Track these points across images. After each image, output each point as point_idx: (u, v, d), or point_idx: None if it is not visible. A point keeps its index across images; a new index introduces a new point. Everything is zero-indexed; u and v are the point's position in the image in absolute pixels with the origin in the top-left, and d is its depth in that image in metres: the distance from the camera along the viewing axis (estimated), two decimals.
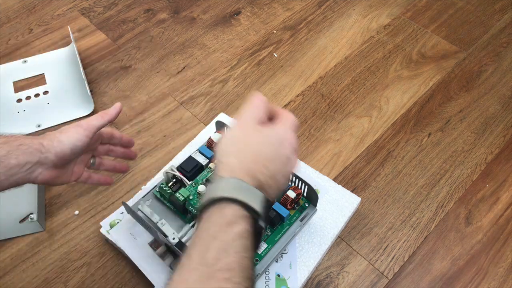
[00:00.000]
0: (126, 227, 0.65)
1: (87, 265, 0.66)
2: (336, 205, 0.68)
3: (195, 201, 0.62)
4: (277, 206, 0.62)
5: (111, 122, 0.56)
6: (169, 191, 0.65)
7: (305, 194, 0.65)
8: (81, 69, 0.84)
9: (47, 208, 0.71)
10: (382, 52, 0.92)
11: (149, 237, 0.64)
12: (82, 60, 0.90)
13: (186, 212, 0.64)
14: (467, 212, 0.70)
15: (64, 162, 0.52)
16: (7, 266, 0.66)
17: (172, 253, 0.61)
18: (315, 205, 0.65)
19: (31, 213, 0.68)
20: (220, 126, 0.71)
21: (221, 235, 0.33)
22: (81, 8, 1.02)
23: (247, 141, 0.39)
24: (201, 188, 0.62)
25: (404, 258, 0.66)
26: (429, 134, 0.79)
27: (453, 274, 0.64)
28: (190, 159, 0.67)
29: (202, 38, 0.95)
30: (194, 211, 0.61)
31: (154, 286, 0.61)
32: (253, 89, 0.86)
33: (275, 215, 0.61)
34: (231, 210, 0.35)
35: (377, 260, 0.66)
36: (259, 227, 0.36)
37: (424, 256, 0.66)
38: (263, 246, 0.60)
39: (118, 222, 0.66)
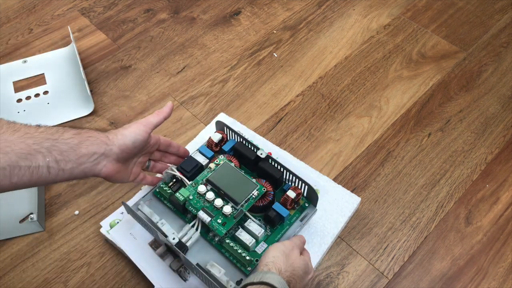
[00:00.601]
0: (126, 227, 0.65)
1: (87, 265, 0.66)
2: (336, 205, 0.68)
3: (195, 201, 0.62)
4: (277, 206, 0.62)
5: (166, 119, 0.60)
6: (169, 191, 0.65)
7: (305, 194, 0.65)
8: (81, 69, 0.84)
9: (47, 208, 0.71)
10: (382, 52, 0.92)
11: (149, 237, 0.64)
12: (82, 60, 0.90)
13: (186, 212, 0.64)
14: (467, 212, 0.70)
15: (126, 155, 0.56)
16: (7, 266, 0.66)
17: (172, 253, 0.61)
18: (315, 205, 0.65)
19: (31, 213, 0.68)
20: (220, 126, 0.71)
21: None
22: (81, 8, 1.02)
23: (291, 261, 0.53)
24: (201, 188, 0.62)
25: (404, 258, 0.66)
26: (429, 134, 0.79)
27: (453, 274, 0.64)
28: (190, 159, 0.67)
29: (202, 38, 0.95)
30: (194, 211, 0.61)
31: (154, 286, 0.60)
32: (253, 89, 0.86)
33: (275, 215, 0.61)
34: None
35: (377, 260, 0.66)
36: None
37: (424, 256, 0.66)
38: (263, 246, 0.60)
39: (118, 222, 0.66)
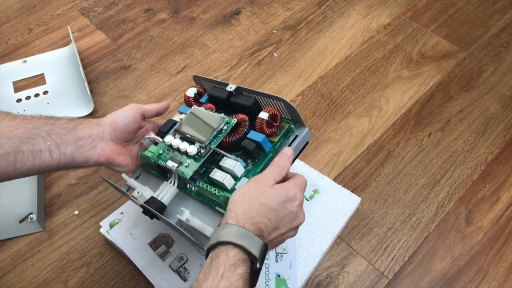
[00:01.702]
0: (126, 227, 0.65)
1: (87, 265, 0.65)
2: (336, 205, 0.68)
3: (164, 154, 0.55)
4: (252, 134, 0.53)
5: (158, 115, 0.60)
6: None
7: (287, 115, 0.56)
8: (81, 69, 0.84)
9: (47, 208, 0.71)
10: (382, 52, 0.92)
11: (149, 237, 0.64)
12: (82, 60, 0.89)
13: (166, 172, 0.58)
14: (467, 212, 0.70)
15: (119, 134, 0.55)
16: (7, 266, 0.66)
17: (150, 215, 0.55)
18: (302, 125, 0.56)
19: (31, 213, 0.68)
20: (196, 80, 0.65)
21: (227, 275, 0.40)
22: (81, 8, 1.02)
23: (258, 195, 0.45)
24: (167, 139, 0.56)
25: (404, 258, 0.66)
26: (429, 134, 0.79)
27: (453, 274, 0.64)
28: (170, 121, 0.60)
29: (202, 38, 0.95)
30: (163, 163, 0.54)
31: (153, 286, 0.60)
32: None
33: (249, 142, 0.52)
34: (234, 253, 0.42)
35: (377, 260, 0.65)
36: (257, 269, 0.43)
37: (424, 256, 0.66)
38: (245, 182, 0.53)
39: (118, 222, 0.66)
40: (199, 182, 0.52)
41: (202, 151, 0.53)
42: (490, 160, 0.76)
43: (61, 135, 0.50)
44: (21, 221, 0.68)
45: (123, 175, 0.57)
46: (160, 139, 0.58)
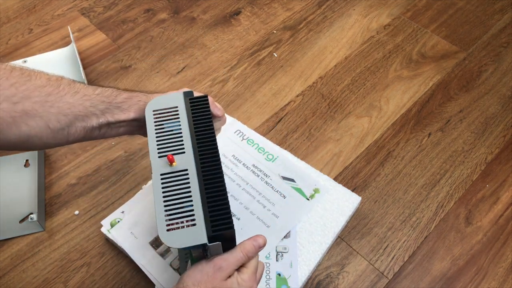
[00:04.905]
0: (126, 226, 0.65)
1: (87, 265, 0.66)
2: (336, 204, 0.68)
3: None
4: None
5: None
6: None
7: None
8: (81, 69, 0.84)
9: (47, 208, 0.71)
10: (382, 52, 0.92)
11: (149, 236, 0.64)
12: (82, 60, 0.90)
13: None
14: (467, 212, 0.70)
15: None
16: (7, 266, 0.66)
17: None
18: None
19: (31, 213, 0.68)
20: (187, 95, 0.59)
21: None
22: (81, 8, 1.02)
23: (210, 287, 0.44)
24: None
25: (404, 258, 0.66)
26: (429, 134, 0.79)
27: (453, 274, 0.64)
28: None
29: (202, 38, 0.95)
30: None
31: (154, 285, 0.60)
32: (253, 89, 0.86)
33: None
34: None
35: (377, 260, 0.66)
36: None
37: (424, 256, 0.66)
38: None
39: (118, 221, 0.66)
40: None
41: None
42: (490, 160, 0.76)
43: (114, 114, 0.52)
44: (21, 221, 0.68)
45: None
46: None
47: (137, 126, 0.54)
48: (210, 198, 0.45)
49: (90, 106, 0.50)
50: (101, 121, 0.51)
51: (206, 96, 0.52)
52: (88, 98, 0.50)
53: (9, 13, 1.01)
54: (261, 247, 0.48)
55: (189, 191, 0.45)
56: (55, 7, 1.02)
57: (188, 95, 0.53)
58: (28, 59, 0.92)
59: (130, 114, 0.52)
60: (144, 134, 0.52)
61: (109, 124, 0.52)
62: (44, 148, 0.51)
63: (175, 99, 0.53)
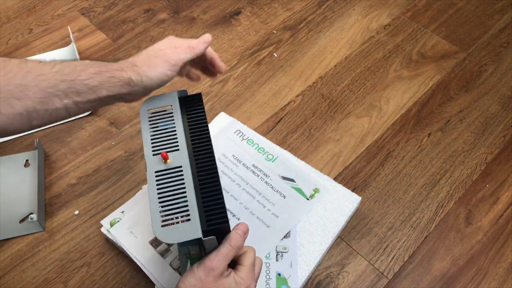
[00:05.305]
0: (126, 225, 0.65)
1: (87, 265, 0.66)
2: (336, 204, 0.68)
3: None
4: None
5: (199, 55, 0.55)
6: None
7: None
8: None
9: (47, 208, 0.71)
10: (382, 52, 0.92)
11: (149, 235, 0.64)
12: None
13: None
14: (467, 212, 0.70)
15: (151, 91, 0.53)
16: (7, 266, 0.66)
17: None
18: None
19: (31, 213, 0.68)
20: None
21: None
22: (81, 8, 1.02)
23: None
24: None
25: (404, 258, 0.66)
26: (429, 134, 0.79)
27: (453, 274, 0.64)
28: None
29: None
30: None
31: (154, 285, 0.60)
32: (253, 89, 0.86)
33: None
34: None
35: (377, 260, 0.66)
36: None
37: (424, 256, 0.66)
38: None
39: (118, 221, 0.66)
40: None
41: None
42: (489, 160, 0.76)
43: (80, 93, 0.46)
44: (21, 221, 0.68)
45: None
46: None
47: (118, 99, 0.49)
48: (204, 194, 0.45)
49: (47, 87, 0.44)
50: (65, 102, 0.45)
51: (199, 95, 0.53)
52: (45, 78, 0.45)
53: (9, 13, 1.01)
54: (245, 233, 0.47)
55: (184, 187, 0.45)
56: (55, 7, 1.02)
57: (182, 94, 0.54)
58: (29, 59, 0.92)
59: (102, 92, 0.47)
60: (130, 101, 0.51)
61: (77, 104, 0.46)
62: (5, 136, 0.45)
63: (169, 98, 0.53)
